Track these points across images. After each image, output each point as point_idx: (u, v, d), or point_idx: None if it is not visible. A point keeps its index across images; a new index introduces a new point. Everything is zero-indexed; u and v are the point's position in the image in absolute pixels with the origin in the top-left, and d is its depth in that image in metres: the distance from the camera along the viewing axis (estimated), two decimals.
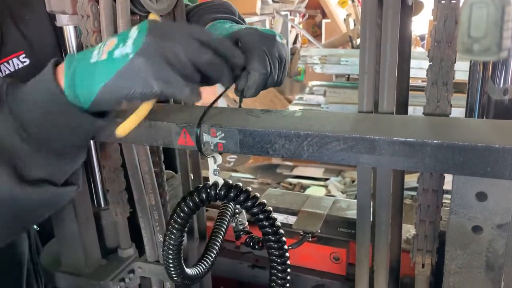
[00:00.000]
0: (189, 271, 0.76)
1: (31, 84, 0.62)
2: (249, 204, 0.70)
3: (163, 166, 0.92)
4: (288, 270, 0.74)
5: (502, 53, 0.30)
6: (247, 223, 0.92)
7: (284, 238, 0.74)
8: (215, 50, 0.59)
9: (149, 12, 0.77)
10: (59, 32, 0.82)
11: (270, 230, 0.72)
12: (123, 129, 0.63)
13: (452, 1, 0.58)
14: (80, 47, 0.79)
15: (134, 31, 0.59)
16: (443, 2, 0.58)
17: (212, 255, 0.78)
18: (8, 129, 0.59)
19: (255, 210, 0.71)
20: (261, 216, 0.71)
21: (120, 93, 0.59)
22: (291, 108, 4.58)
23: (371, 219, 0.72)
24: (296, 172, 3.83)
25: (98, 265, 0.93)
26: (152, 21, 0.60)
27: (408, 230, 0.95)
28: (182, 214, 0.71)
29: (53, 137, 0.61)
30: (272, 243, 0.73)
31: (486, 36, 0.29)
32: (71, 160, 0.65)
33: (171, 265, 0.74)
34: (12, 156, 0.59)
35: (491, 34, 0.29)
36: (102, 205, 0.94)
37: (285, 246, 0.74)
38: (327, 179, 3.71)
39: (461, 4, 0.58)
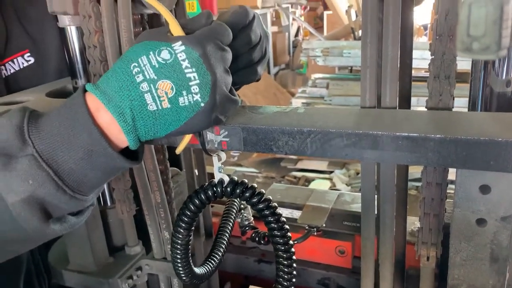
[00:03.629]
0: (197, 270, 0.77)
1: (62, 124, 0.54)
2: (254, 200, 0.71)
3: (168, 164, 0.93)
4: (294, 265, 0.75)
5: (501, 51, 0.30)
6: (252, 218, 0.93)
7: (289, 234, 0.74)
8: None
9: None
10: (62, 32, 0.83)
11: (275, 226, 0.73)
12: (179, 149, 0.65)
13: None
14: (82, 48, 0.79)
15: (189, 71, 0.53)
16: None
17: (220, 253, 0.79)
18: (43, 178, 0.52)
19: (260, 206, 0.72)
20: (266, 212, 0.72)
21: (186, 133, 0.59)
22: (294, 101, 4.58)
23: (376, 212, 0.73)
24: (300, 165, 3.83)
25: (106, 263, 0.94)
26: (201, 51, 0.54)
27: (413, 222, 0.95)
28: (188, 213, 0.71)
29: (88, 180, 0.56)
30: (277, 238, 0.73)
31: (486, 35, 0.29)
32: (96, 194, 0.61)
33: (179, 264, 0.74)
34: (43, 202, 0.53)
35: (490, 33, 0.29)
36: (109, 204, 0.95)
37: (291, 242, 0.75)
38: (331, 172, 3.71)
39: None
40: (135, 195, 0.90)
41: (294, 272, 0.75)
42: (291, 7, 6.69)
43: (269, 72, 6.12)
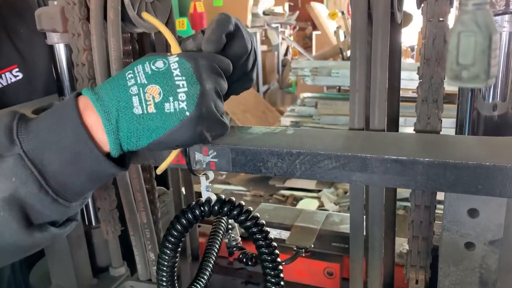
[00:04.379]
0: None
1: (51, 125, 0.55)
2: (242, 218, 0.71)
3: (155, 183, 0.92)
4: (282, 283, 0.75)
5: (490, 80, 0.30)
6: (240, 238, 0.92)
7: (277, 251, 0.74)
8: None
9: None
10: (50, 49, 0.82)
11: (263, 243, 0.72)
12: (161, 169, 0.64)
13: (440, 20, 0.58)
14: (70, 65, 0.78)
15: (179, 79, 0.54)
16: (431, 20, 0.59)
17: (206, 276, 0.77)
18: (26, 177, 0.52)
19: (248, 223, 0.71)
20: (254, 230, 0.71)
21: (170, 146, 0.57)
22: (283, 119, 4.60)
23: (364, 234, 0.72)
24: (288, 183, 3.82)
25: (89, 284, 0.92)
26: (193, 63, 0.56)
27: (401, 243, 0.95)
28: (175, 233, 0.70)
29: (73, 184, 0.55)
30: (266, 256, 0.73)
31: (475, 64, 0.30)
32: (80, 204, 0.60)
33: (164, 286, 0.73)
34: (25, 204, 0.53)
35: (479, 62, 0.29)
36: (93, 223, 0.93)
37: (279, 259, 0.74)
38: (319, 191, 3.71)
39: (449, 23, 0.59)
40: (121, 215, 0.88)
41: (282, 283, 0.74)
42: (281, 26, 6.78)
43: (258, 91, 6.16)
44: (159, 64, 0.55)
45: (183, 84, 0.54)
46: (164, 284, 0.72)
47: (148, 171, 0.89)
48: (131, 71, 0.55)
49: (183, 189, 1.02)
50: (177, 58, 0.56)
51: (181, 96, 0.54)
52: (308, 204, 3.49)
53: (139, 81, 0.54)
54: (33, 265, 1.01)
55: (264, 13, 6.10)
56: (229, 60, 0.60)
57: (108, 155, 0.56)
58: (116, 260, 0.94)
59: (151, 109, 0.54)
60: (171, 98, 0.54)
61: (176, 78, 0.54)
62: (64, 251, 0.88)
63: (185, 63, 0.55)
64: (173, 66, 0.55)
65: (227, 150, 0.60)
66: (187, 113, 0.54)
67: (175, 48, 0.60)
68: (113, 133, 0.54)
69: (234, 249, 0.89)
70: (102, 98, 0.54)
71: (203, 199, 0.71)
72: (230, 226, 0.89)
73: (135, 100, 0.54)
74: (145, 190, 0.86)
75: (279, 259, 0.74)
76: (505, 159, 0.48)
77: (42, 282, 0.94)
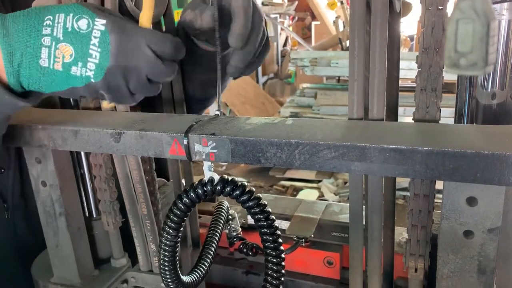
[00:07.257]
0: (185, 278, 0.76)
1: None
2: (244, 198, 0.71)
3: (155, 175, 0.92)
4: (283, 263, 0.75)
5: (488, 67, 0.30)
6: (240, 229, 0.92)
7: (279, 232, 0.75)
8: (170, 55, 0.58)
9: None
10: None
11: (265, 223, 0.73)
12: (146, 19, 0.60)
13: (439, 8, 0.58)
14: None
15: (95, 48, 0.54)
16: (430, 9, 0.58)
17: (207, 263, 0.78)
18: None
19: (250, 203, 0.71)
20: (256, 210, 0.72)
21: (70, 96, 0.60)
22: (283, 110, 4.59)
23: (364, 223, 0.73)
24: (288, 174, 3.84)
25: (91, 275, 0.92)
26: (118, 37, 0.55)
27: (401, 232, 0.95)
28: (178, 212, 0.70)
29: None
30: (267, 236, 0.73)
31: (473, 51, 0.30)
32: None
33: (166, 268, 0.73)
34: None
35: (477, 49, 0.30)
36: (94, 215, 0.93)
37: (280, 240, 0.75)
38: (319, 181, 3.73)
39: (448, 12, 0.59)
40: (121, 207, 0.88)
41: (283, 265, 0.75)
42: (280, 17, 6.74)
43: (257, 82, 6.15)
44: (83, 24, 0.54)
45: (95, 56, 0.54)
46: (167, 265, 0.72)
47: (148, 163, 0.89)
48: (50, 17, 0.54)
49: (183, 181, 1.03)
50: (103, 28, 0.54)
51: (90, 66, 0.55)
52: (308, 194, 3.50)
53: (54, 34, 0.54)
54: (28, 260, 1.02)
55: (263, 4, 6.07)
56: (180, 43, 0.59)
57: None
58: (117, 251, 0.94)
59: (58, 66, 0.54)
60: (80, 64, 0.54)
61: (92, 47, 0.54)
62: (65, 243, 0.88)
63: (108, 36, 0.54)
64: (94, 33, 0.54)
65: (226, 141, 0.61)
66: (93, 81, 0.55)
67: (144, 19, 0.58)
68: (14, 76, 0.54)
69: (235, 239, 0.90)
70: (11, 35, 0.53)
71: (205, 178, 0.71)
72: (230, 217, 0.89)
73: (44, 52, 0.54)
74: (145, 181, 0.86)
75: (280, 240, 0.74)
76: (503, 148, 0.48)
77: (44, 274, 0.95)
